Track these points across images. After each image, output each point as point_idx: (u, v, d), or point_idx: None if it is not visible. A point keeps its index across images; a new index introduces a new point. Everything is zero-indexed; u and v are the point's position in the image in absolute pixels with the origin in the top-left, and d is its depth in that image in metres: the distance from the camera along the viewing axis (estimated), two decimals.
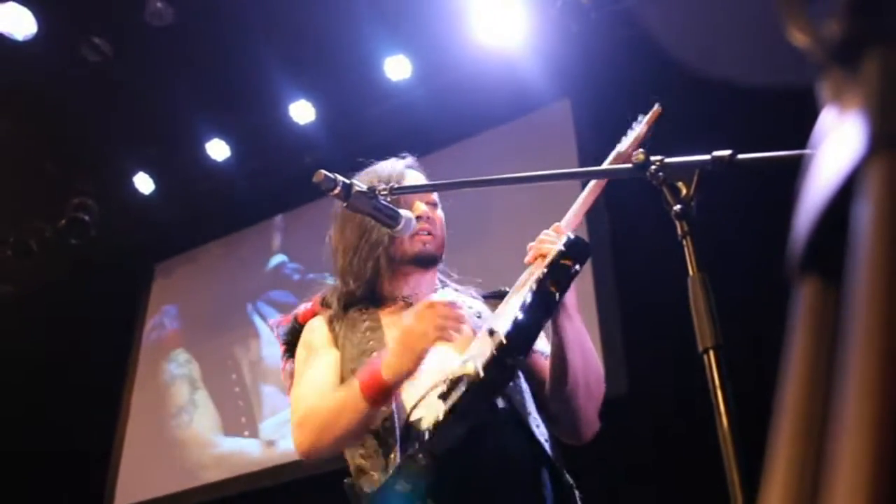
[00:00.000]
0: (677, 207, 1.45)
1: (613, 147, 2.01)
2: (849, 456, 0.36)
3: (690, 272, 1.37)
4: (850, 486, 0.35)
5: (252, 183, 6.07)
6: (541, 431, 2.05)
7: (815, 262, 0.44)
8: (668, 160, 1.49)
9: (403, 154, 2.42)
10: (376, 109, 5.58)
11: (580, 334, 2.03)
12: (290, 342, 2.32)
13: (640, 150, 1.53)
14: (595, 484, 2.13)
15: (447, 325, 1.89)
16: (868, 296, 0.37)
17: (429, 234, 2.27)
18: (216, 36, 5.17)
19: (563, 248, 1.87)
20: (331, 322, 2.26)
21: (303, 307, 2.37)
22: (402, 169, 2.34)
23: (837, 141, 0.43)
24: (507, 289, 2.19)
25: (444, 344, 1.97)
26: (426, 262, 2.29)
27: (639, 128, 2.01)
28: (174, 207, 6.22)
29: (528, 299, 1.81)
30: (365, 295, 2.28)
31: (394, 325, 2.22)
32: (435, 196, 2.35)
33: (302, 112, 5.58)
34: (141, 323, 6.54)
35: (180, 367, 6.21)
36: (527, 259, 2.03)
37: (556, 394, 2.06)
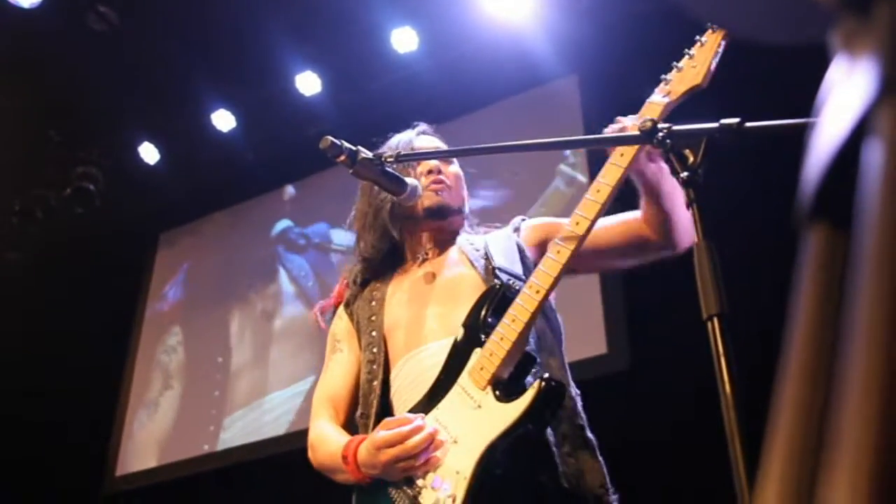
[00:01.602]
0: (684, 175, 1.44)
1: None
2: (856, 401, 0.36)
3: (696, 239, 1.36)
4: (856, 433, 0.35)
5: (257, 154, 6.07)
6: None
7: (825, 208, 0.44)
8: (675, 128, 1.49)
9: (417, 123, 2.44)
10: (382, 81, 5.56)
11: (675, 188, 1.91)
12: None
13: (647, 118, 1.52)
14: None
15: (406, 467, 1.93)
16: (877, 239, 0.37)
17: (443, 184, 2.29)
18: (223, 5, 5.14)
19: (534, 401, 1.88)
20: (347, 306, 2.35)
21: (337, 288, 2.45)
22: (411, 136, 2.38)
23: (848, 87, 0.43)
24: (502, 271, 2.18)
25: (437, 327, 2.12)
26: (441, 213, 2.30)
27: (704, 54, 1.87)
28: (179, 178, 6.21)
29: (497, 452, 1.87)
30: (386, 256, 2.33)
31: (400, 290, 2.28)
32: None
33: (308, 83, 5.56)
34: (144, 293, 6.56)
35: (165, 354, 6.23)
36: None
37: (651, 233, 2.10)
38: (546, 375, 1.91)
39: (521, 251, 2.25)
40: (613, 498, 2.02)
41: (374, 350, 2.21)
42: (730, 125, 1.43)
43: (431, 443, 1.92)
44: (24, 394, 6.04)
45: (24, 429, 5.94)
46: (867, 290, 0.37)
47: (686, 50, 1.90)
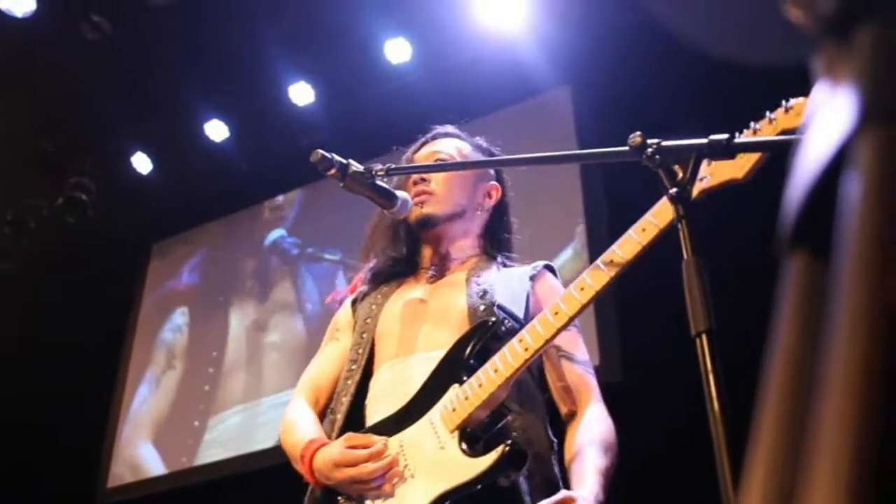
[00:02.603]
0: (673, 191, 1.44)
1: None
2: (832, 426, 0.36)
3: (685, 255, 1.36)
4: (833, 454, 0.35)
5: (250, 163, 6.06)
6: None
7: (805, 236, 0.44)
8: (664, 143, 1.49)
9: (433, 127, 2.44)
10: (375, 92, 5.56)
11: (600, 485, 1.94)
12: None
13: (637, 133, 1.52)
14: None
15: (360, 489, 1.95)
16: (853, 271, 0.37)
17: (425, 193, 2.26)
18: (216, 16, 5.15)
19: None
20: (354, 303, 2.36)
21: (354, 280, 2.48)
22: (418, 145, 2.41)
23: (829, 115, 0.43)
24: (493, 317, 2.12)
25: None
26: (426, 224, 2.27)
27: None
28: (172, 188, 6.20)
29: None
30: (399, 263, 2.34)
31: (399, 300, 2.27)
32: (444, 155, 2.34)
33: (301, 94, 5.57)
34: (137, 302, 6.55)
35: (172, 332, 6.27)
36: None
37: None
38: (510, 441, 1.87)
39: (527, 300, 2.18)
40: None
41: (360, 351, 2.21)
42: (719, 141, 1.43)
43: (389, 470, 1.93)
44: (16, 403, 6.00)
45: (15, 436, 5.90)
46: (843, 322, 0.37)
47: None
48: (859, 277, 0.36)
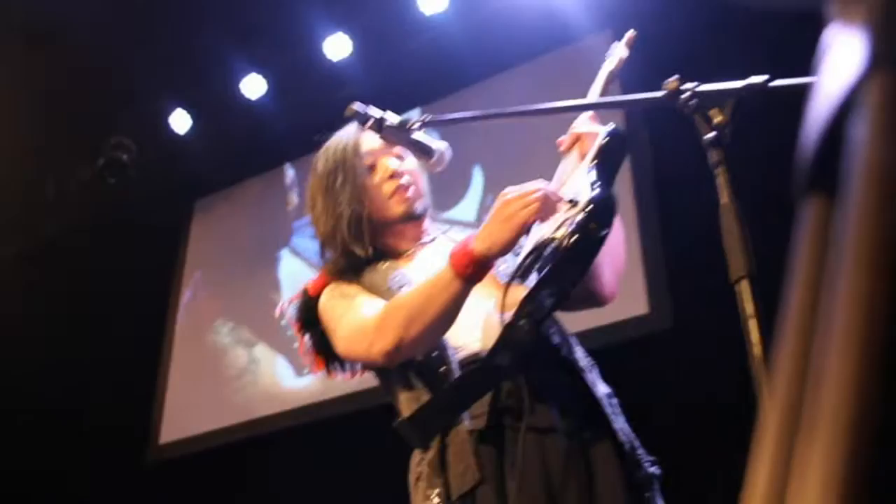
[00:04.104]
0: (710, 136, 1.43)
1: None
2: (836, 362, 0.36)
3: (723, 201, 1.35)
4: (837, 393, 0.35)
5: (288, 119, 6.03)
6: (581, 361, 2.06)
7: (819, 179, 0.44)
8: (700, 88, 1.47)
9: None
10: (412, 43, 5.52)
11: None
12: (304, 319, 2.22)
13: (674, 76, 1.50)
14: (641, 418, 2.12)
15: (548, 202, 1.82)
16: (859, 205, 0.37)
17: (406, 187, 2.22)
18: None
19: (605, 139, 1.94)
20: (349, 283, 2.19)
21: (311, 280, 2.25)
22: (357, 135, 2.28)
23: (840, 57, 0.43)
24: None
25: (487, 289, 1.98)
26: (416, 217, 2.24)
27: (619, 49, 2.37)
28: (211, 145, 6.21)
29: (595, 174, 1.82)
30: (361, 258, 2.20)
31: (413, 263, 2.20)
32: (398, 148, 2.24)
33: (337, 47, 5.54)
34: (181, 263, 6.56)
35: (228, 336, 6.16)
36: (562, 149, 2.10)
37: None
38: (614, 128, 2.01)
39: None
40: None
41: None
42: (756, 84, 1.41)
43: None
44: (65, 364, 6.08)
45: (62, 400, 6.00)
46: (847, 257, 0.37)
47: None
48: (864, 215, 0.37)
